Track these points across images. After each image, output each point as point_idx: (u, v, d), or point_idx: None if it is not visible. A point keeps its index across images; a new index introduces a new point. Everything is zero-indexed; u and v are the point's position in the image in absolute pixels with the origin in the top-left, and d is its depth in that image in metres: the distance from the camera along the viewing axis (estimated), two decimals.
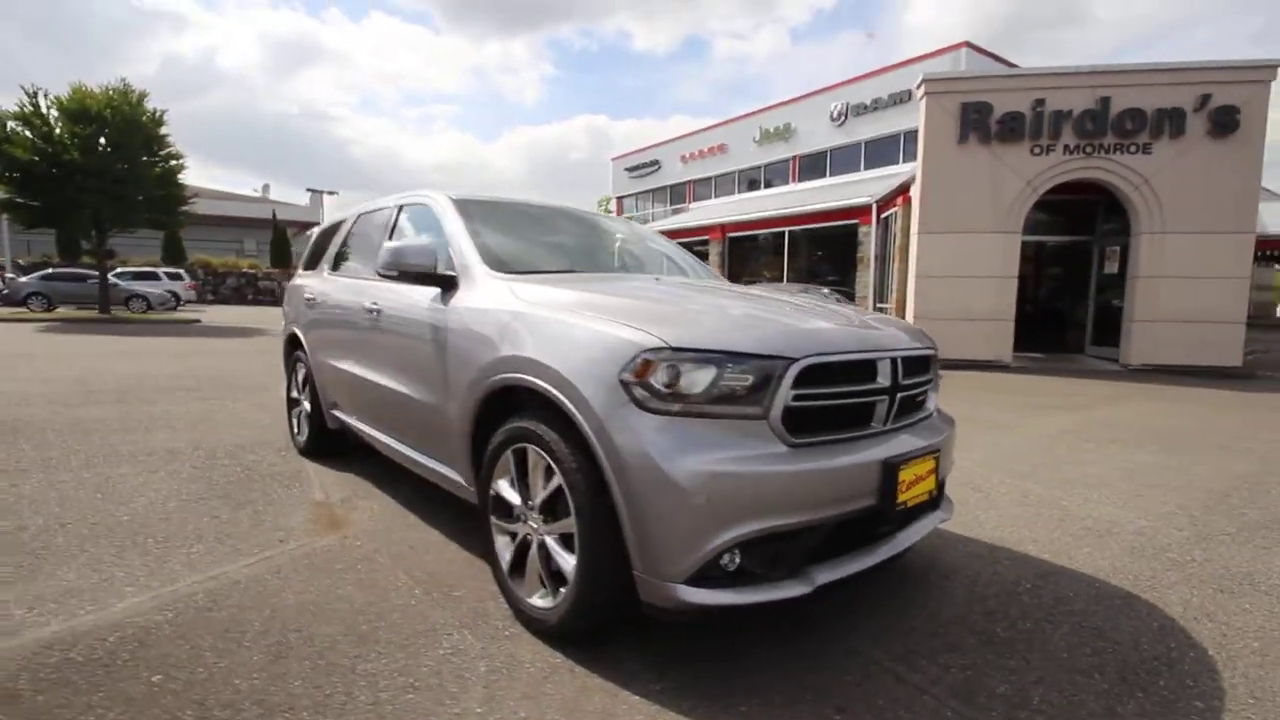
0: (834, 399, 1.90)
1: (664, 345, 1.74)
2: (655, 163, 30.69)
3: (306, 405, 4.18)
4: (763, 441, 1.75)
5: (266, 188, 54.55)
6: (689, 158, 28.34)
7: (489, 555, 2.32)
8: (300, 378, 4.28)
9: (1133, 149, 9.98)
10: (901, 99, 18.74)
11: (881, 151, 19.75)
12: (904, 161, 18.75)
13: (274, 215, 38.36)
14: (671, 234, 17.96)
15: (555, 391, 1.88)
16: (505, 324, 2.19)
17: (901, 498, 1.96)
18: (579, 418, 1.81)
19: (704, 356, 1.74)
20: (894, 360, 2.08)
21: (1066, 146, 10.19)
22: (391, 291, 3.03)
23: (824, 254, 18.47)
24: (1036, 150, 10.28)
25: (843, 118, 20.63)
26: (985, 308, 10.53)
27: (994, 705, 1.79)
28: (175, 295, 23.38)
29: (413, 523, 3.08)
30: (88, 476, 3.62)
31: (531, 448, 2.03)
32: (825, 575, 1.83)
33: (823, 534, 1.83)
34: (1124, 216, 10.75)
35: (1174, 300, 10.10)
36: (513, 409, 2.19)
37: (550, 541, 2.01)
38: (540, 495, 2.02)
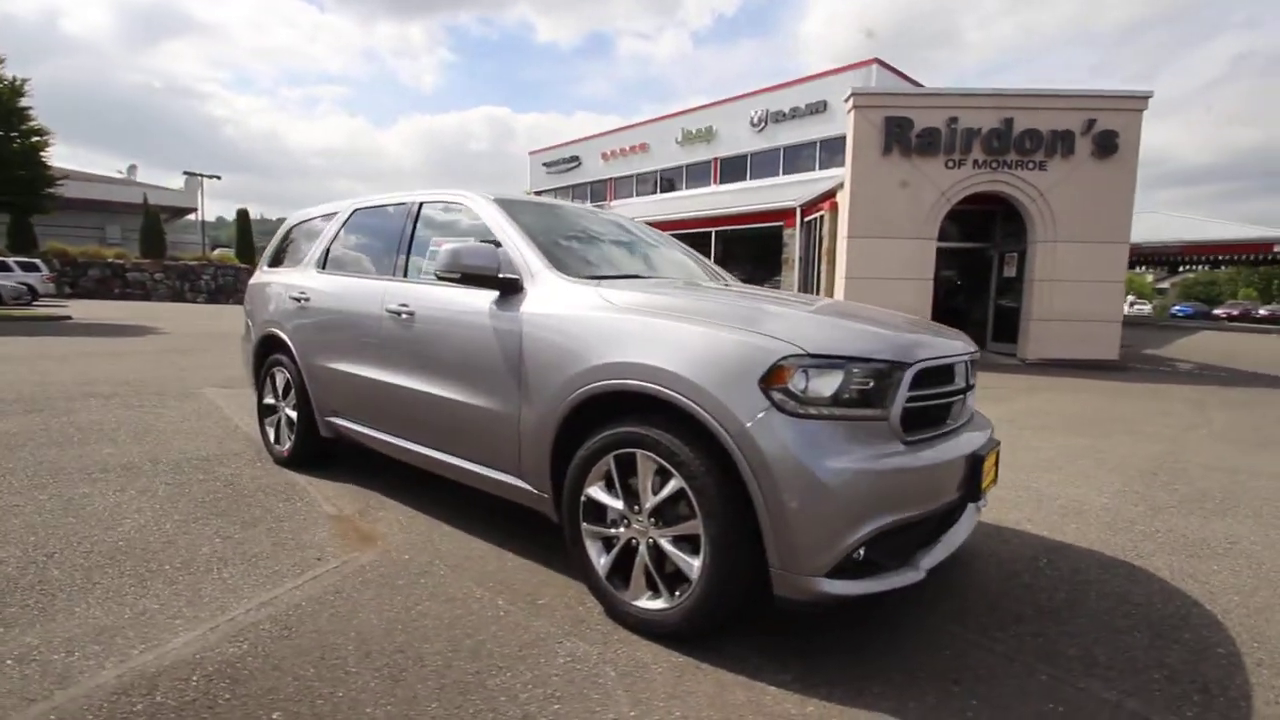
0: (930, 400, 2.06)
1: (802, 351, 1.82)
2: (575, 159, 30.50)
3: (289, 412, 3.89)
4: (886, 441, 1.88)
5: (133, 169, 48.92)
6: (610, 155, 28.40)
7: (579, 561, 2.30)
8: (280, 383, 3.97)
9: (1031, 166, 11.13)
10: (818, 109, 19.78)
11: (800, 157, 20.74)
12: (820, 168, 19.80)
13: (145, 200, 34.60)
14: None
15: (683, 397, 1.91)
16: (605, 329, 2.18)
17: (983, 486, 2.15)
18: (714, 422, 1.85)
19: (836, 362, 1.84)
20: (965, 364, 2.27)
21: (975, 161, 11.20)
22: (429, 293, 2.91)
23: (749, 254, 19.14)
24: (950, 164, 11.22)
25: (763, 123, 21.46)
26: (906, 307, 11.30)
27: (1073, 665, 2.02)
28: (31, 288, 20.61)
29: (449, 532, 2.97)
30: (45, 499, 3.20)
31: (641, 452, 2.05)
32: (928, 561, 1.99)
33: (931, 524, 1.99)
34: (1018, 225, 11.95)
35: (1065, 301, 11.38)
36: (606, 414, 2.19)
37: (665, 544, 2.04)
38: (652, 499, 2.05)
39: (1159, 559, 2.95)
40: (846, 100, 11.41)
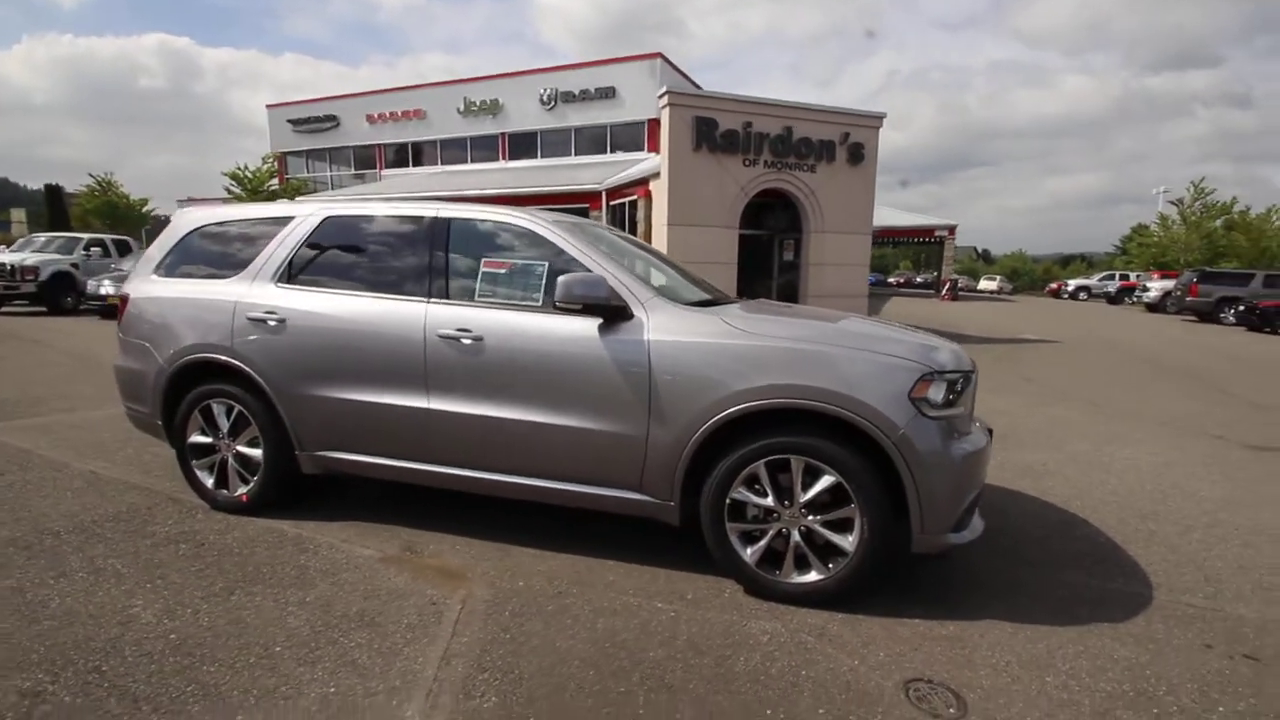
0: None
1: (931, 369, 2.43)
2: (332, 118, 27.06)
3: (243, 450, 3.36)
4: (969, 430, 2.59)
5: None
6: (378, 119, 25.83)
7: (721, 555, 2.64)
8: (224, 418, 3.37)
9: (805, 168, 13.31)
10: (608, 94, 20.56)
11: (591, 140, 21.39)
12: (612, 151, 20.71)
13: None
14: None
15: (850, 411, 2.38)
16: (753, 355, 2.52)
17: None
18: (876, 429, 2.37)
19: (947, 375, 2.48)
20: None
21: (765, 161, 13.01)
22: (504, 319, 2.87)
23: None
24: (747, 162, 12.87)
25: (553, 103, 21.57)
26: (720, 287, 12.87)
27: (1048, 565, 3.01)
28: None
29: (529, 553, 3.01)
30: None
31: (796, 457, 2.47)
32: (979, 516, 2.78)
33: None
34: (794, 216, 14.25)
35: (830, 281, 13.96)
36: (744, 429, 2.55)
37: (818, 528, 2.51)
38: (805, 494, 2.49)
39: (1020, 483, 4.26)
40: (661, 97, 12.30)
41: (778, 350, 2.54)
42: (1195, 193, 31.29)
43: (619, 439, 2.69)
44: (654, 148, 20.29)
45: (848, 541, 2.48)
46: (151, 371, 3.51)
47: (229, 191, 24.24)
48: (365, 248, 3.29)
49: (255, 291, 3.32)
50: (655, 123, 20.37)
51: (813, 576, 2.54)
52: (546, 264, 2.92)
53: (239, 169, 24.17)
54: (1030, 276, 63.71)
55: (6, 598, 2.47)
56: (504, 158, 23.17)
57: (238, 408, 3.33)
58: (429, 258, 3.09)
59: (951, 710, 1.98)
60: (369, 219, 3.33)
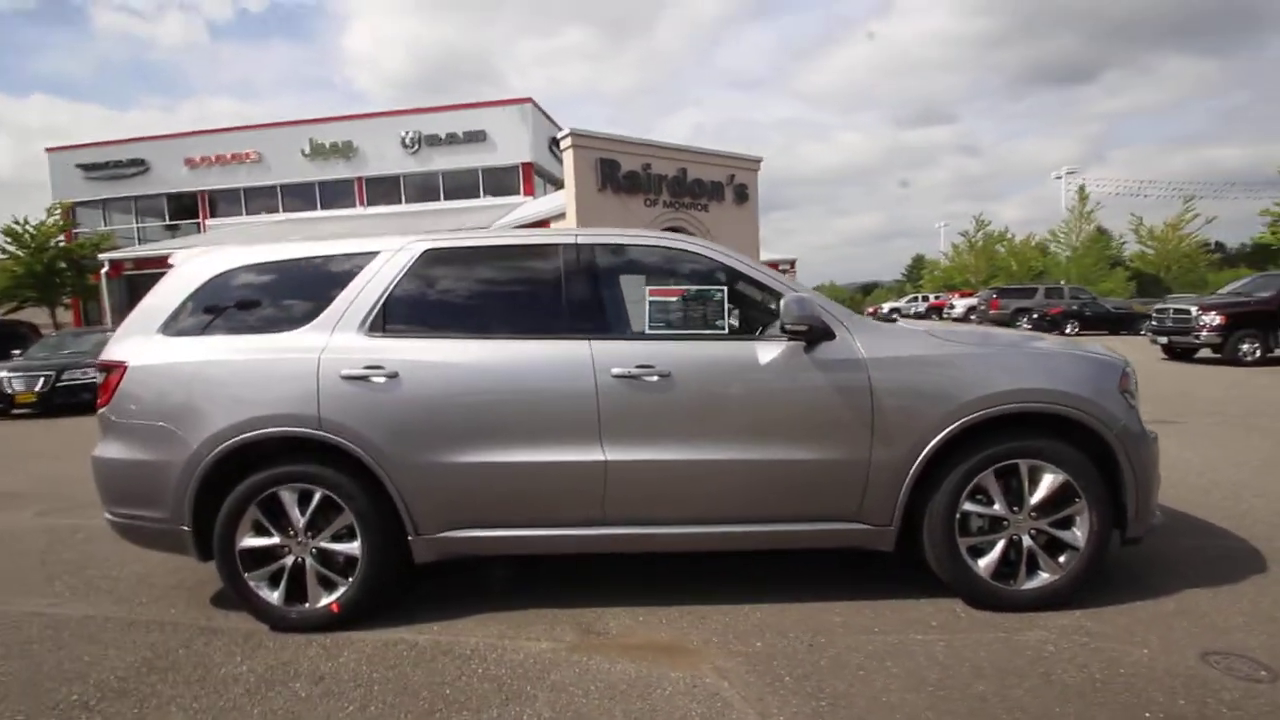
0: None
1: (1125, 362, 2.62)
2: (140, 162, 23.35)
3: (330, 546, 2.68)
4: None
5: None
6: (201, 162, 22.76)
7: (952, 572, 2.57)
8: (299, 511, 2.65)
9: (699, 207, 14.02)
10: (477, 137, 20.05)
11: (462, 184, 20.63)
12: (484, 195, 20.16)
13: None
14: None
15: (1077, 410, 2.47)
16: (975, 364, 2.55)
17: None
18: (1101, 425, 2.48)
19: (1131, 369, 2.69)
20: None
21: (665, 201, 13.51)
22: (690, 350, 2.63)
23: None
24: (648, 202, 13.26)
25: (416, 146, 20.54)
26: None
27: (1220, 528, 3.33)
28: None
29: (722, 609, 2.71)
30: None
31: (1025, 461, 2.52)
32: None
33: None
34: None
35: None
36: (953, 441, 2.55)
37: (1048, 528, 2.55)
38: (1035, 497, 2.53)
39: None
40: (564, 138, 12.33)
41: (1000, 356, 2.60)
42: (978, 225, 38.04)
43: (838, 466, 2.55)
44: (530, 191, 20.16)
45: (1078, 538, 2.55)
46: (176, 462, 2.67)
47: (4, 250, 19.63)
48: (483, 284, 2.85)
49: (343, 344, 2.70)
50: (530, 166, 20.35)
51: (1045, 578, 2.57)
52: (725, 288, 2.74)
53: (16, 223, 19.74)
54: (844, 303, 72.24)
55: None
56: (361, 203, 21.51)
57: (320, 493, 2.65)
58: (577, 289, 2.74)
59: (1264, 673, 2.09)
60: (484, 250, 2.90)
